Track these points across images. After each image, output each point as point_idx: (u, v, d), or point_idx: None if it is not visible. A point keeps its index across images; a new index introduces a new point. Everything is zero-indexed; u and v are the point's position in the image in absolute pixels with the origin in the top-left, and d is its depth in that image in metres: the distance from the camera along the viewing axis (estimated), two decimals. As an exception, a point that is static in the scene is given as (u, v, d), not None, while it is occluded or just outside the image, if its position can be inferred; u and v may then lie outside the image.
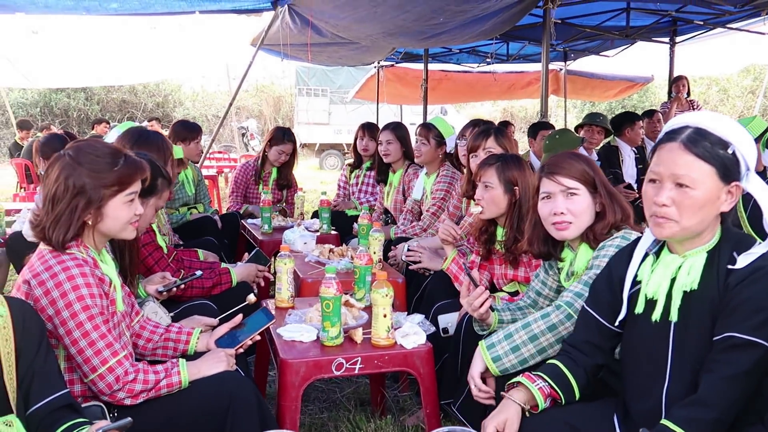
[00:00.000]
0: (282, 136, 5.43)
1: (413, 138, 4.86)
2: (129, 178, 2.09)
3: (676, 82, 8.10)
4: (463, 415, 2.59)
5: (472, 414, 2.56)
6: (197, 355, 2.33)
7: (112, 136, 3.35)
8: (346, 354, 2.40)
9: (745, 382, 1.59)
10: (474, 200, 3.17)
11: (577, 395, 1.92)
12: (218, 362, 2.19)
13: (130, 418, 1.58)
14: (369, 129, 5.49)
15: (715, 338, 1.64)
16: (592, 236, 2.26)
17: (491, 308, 2.47)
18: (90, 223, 2.05)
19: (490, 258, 3.13)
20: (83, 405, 1.96)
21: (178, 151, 4.09)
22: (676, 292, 1.73)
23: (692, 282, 1.71)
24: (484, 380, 2.20)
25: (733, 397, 1.60)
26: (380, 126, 5.41)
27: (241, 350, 2.40)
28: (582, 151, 5.60)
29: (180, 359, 2.15)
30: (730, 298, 1.63)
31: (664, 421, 1.63)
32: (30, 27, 9.38)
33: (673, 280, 1.75)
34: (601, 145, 6.24)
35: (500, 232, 3.06)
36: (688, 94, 8.12)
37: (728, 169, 1.67)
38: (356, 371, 2.41)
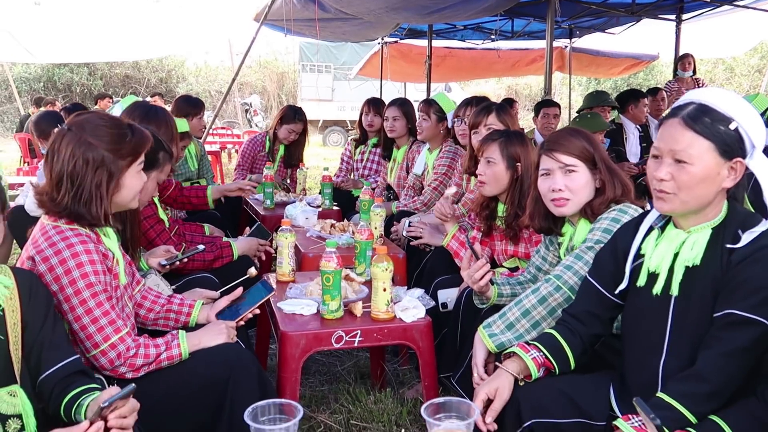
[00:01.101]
0: (293, 115, 5.45)
1: (417, 114, 4.85)
2: (140, 148, 2.12)
3: (682, 60, 8.04)
4: (462, 388, 2.61)
5: (470, 387, 2.58)
6: (198, 327, 2.35)
7: (116, 112, 3.35)
8: (345, 327, 2.43)
9: (742, 358, 1.61)
10: (476, 176, 3.18)
11: (572, 365, 1.94)
12: (218, 334, 2.21)
13: (134, 384, 1.60)
14: (375, 104, 5.46)
15: (715, 315, 1.65)
16: (590, 211, 2.27)
17: (491, 282, 2.49)
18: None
19: (490, 234, 3.14)
20: None
21: (182, 123, 4.10)
22: (678, 267, 1.75)
23: (695, 257, 1.72)
24: (486, 368, 2.22)
25: (729, 373, 1.62)
26: (386, 102, 5.39)
27: (242, 323, 2.42)
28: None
29: (180, 331, 2.16)
30: (732, 276, 1.64)
31: (659, 394, 1.66)
32: (32, -1, 9.35)
33: (676, 255, 1.76)
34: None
35: (501, 208, 3.07)
36: (694, 72, 8.06)
37: (729, 146, 1.67)
38: (356, 344, 2.44)
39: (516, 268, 3.05)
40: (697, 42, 9.58)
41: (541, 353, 1.92)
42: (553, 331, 1.97)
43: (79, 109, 5.89)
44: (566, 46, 11.44)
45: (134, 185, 2.12)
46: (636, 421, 1.64)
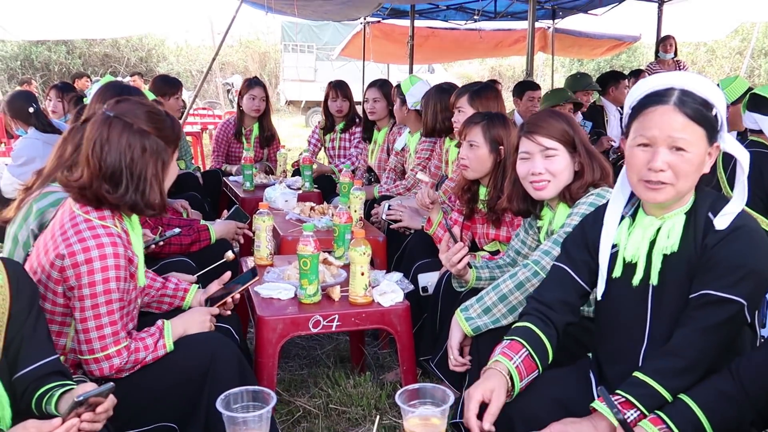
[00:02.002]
0: (249, 83, 5.36)
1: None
2: (179, 132, 2.10)
3: (663, 42, 8.03)
4: (441, 372, 2.62)
5: (449, 370, 2.58)
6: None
7: (94, 91, 3.28)
8: (323, 311, 2.41)
9: (716, 334, 1.61)
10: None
11: (551, 358, 1.89)
12: (202, 324, 2.20)
13: (112, 384, 1.57)
14: (341, 88, 5.27)
15: (691, 296, 1.65)
16: (569, 195, 2.26)
17: (469, 265, 2.48)
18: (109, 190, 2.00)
19: (472, 217, 3.12)
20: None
21: (149, 93, 4.02)
22: (656, 256, 1.72)
23: (672, 245, 1.70)
24: (462, 350, 2.22)
25: (703, 348, 1.61)
26: (358, 85, 5.32)
27: (228, 311, 2.39)
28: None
29: (165, 324, 2.11)
30: (707, 258, 1.63)
31: (635, 373, 1.66)
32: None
33: (652, 243, 1.74)
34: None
35: (483, 192, 3.05)
36: (675, 54, 8.07)
37: (714, 130, 1.66)
38: (333, 329, 2.43)
39: (497, 252, 3.05)
40: (678, 24, 9.58)
41: (525, 350, 1.82)
42: (529, 324, 1.89)
43: (68, 88, 5.78)
44: (549, 27, 11.43)
45: (174, 172, 2.10)
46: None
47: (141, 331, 2.10)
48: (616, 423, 1.55)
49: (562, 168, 2.26)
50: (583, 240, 1.92)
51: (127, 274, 1.99)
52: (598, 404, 1.65)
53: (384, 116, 4.90)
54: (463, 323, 2.17)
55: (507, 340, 1.88)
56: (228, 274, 2.48)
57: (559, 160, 2.25)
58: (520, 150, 2.32)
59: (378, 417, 1.78)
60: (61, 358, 1.98)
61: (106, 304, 1.92)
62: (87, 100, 3.29)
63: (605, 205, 1.90)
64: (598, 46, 12.39)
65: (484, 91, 3.43)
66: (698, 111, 1.63)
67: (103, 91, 3.03)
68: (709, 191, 1.75)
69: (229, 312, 2.39)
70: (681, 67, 7.94)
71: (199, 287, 2.48)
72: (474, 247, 3.14)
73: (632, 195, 1.83)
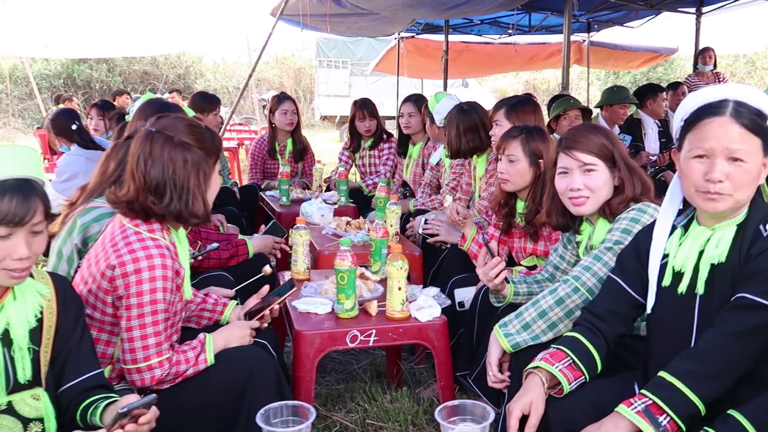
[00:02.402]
0: (278, 98, 5.42)
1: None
2: (219, 144, 2.13)
3: (702, 54, 7.92)
4: (478, 387, 2.60)
5: (487, 386, 2.56)
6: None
7: (135, 108, 3.36)
8: (360, 326, 2.41)
9: (745, 341, 1.58)
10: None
11: (599, 367, 1.89)
12: (242, 339, 2.21)
13: (155, 395, 1.59)
14: (367, 107, 5.29)
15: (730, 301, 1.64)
16: (609, 211, 2.23)
17: (506, 280, 2.46)
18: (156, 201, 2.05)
19: (509, 231, 3.10)
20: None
21: (189, 110, 4.09)
22: (703, 265, 1.72)
23: (720, 254, 1.69)
24: (501, 366, 2.20)
25: (731, 354, 1.59)
26: (392, 101, 5.34)
27: (265, 324, 2.39)
28: (602, 122, 5.57)
29: (207, 338, 2.13)
30: (750, 266, 1.63)
31: (661, 373, 1.64)
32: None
33: (701, 253, 1.73)
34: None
35: (520, 206, 3.03)
36: (715, 66, 7.94)
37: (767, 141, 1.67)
38: (370, 343, 2.42)
39: (534, 267, 3.02)
40: (717, 36, 9.44)
41: (568, 358, 1.84)
42: (576, 334, 1.91)
43: (108, 107, 5.91)
44: (584, 40, 11.35)
45: (216, 183, 2.14)
46: (639, 405, 1.61)
47: (183, 344, 2.13)
48: None
49: (601, 183, 2.23)
50: (636, 251, 1.92)
51: (174, 285, 2.02)
52: (622, 408, 1.62)
53: (419, 130, 4.92)
54: (502, 339, 2.15)
55: (552, 348, 1.89)
56: (266, 288, 2.50)
57: (598, 175, 2.23)
58: (558, 165, 2.30)
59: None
60: (109, 368, 2.02)
61: (152, 314, 1.95)
62: (129, 117, 3.36)
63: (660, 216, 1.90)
64: (635, 59, 12.25)
65: (522, 104, 3.41)
66: (754, 121, 1.64)
67: (144, 108, 3.09)
68: (764, 204, 1.74)
69: (266, 324, 2.40)
70: (721, 79, 7.81)
71: (237, 302, 2.50)
72: (511, 262, 3.12)
73: (686, 206, 1.83)
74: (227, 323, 2.41)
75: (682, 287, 1.74)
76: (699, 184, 1.68)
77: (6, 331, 1.65)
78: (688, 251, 1.75)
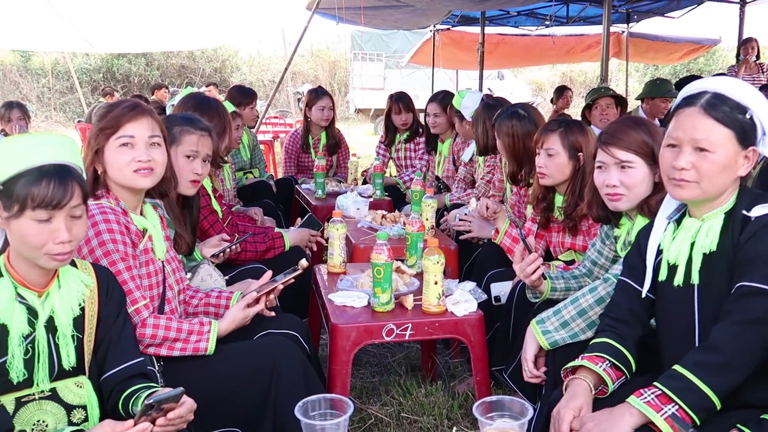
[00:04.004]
0: (316, 93, 5.41)
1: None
2: (116, 121, 2.09)
3: (745, 45, 7.72)
4: (514, 382, 2.58)
5: (523, 381, 2.54)
6: None
7: (175, 102, 3.41)
8: (396, 320, 2.41)
9: (756, 330, 1.58)
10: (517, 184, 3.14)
11: (634, 367, 1.88)
12: (243, 318, 2.24)
13: (182, 388, 1.61)
14: (403, 101, 5.28)
15: (731, 292, 1.65)
16: (647, 208, 2.19)
17: (543, 276, 2.44)
18: (99, 173, 2.10)
19: (548, 226, 3.06)
20: None
21: (229, 105, 4.13)
22: (696, 255, 1.74)
23: (711, 243, 1.72)
24: (536, 362, 2.19)
25: (744, 344, 1.58)
26: (426, 93, 5.31)
27: (273, 297, 2.36)
28: (641, 115, 5.47)
29: (213, 325, 2.15)
30: (743, 254, 1.65)
31: (675, 366, 1.63)
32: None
33: (693, 245, 1.76)
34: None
35: (559, 200, 2.99)
36: (758, 57, 7.74)
37: (746, 134, 1.69)
38: (406, 337, 2.42)
39: (572, 261, 2.98)
40: (762, 26, 9.20)
41: (608, 361, 1.83)
42: (606, 339, 1.89)
43: (143, 100, 6.01)
44: (623, 31, 11.17)
45: (115, 161, 2.10)
46: (649, 395, 1.60)
47: (186, 320, 2.16)
48: None
49: (639, 180, 2.18)
50: (638, 249, 1.95)
51: (125, 239, 2.05)
52: (633, 399, 1.61)
53: (446, 129, 4.91)
54: (539, 336, 2.13)
55: (587, 354, 1.87)
56: (268, 274, 2.47)
57: (636, 172, 2.18)
58: (597, 160, 2.27)
59: (455, 429, 1.77)
60: None
61: (110, 265, 1.98)
62: (170, 111, 3.41)
63: (655, 216, 1.93)
64: (675, 51, 12.00)
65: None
66: (727, 113, 1.68)
67: (185, 101, 3.13)
68: (751, 190, 1.78)
69: (273, 301, 2.36)
70: (764, 70, 7.62)
71: (241, 294, 2.45)
72: (548, 257, 3.09)
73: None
74: None
75: (678, 279, 1.77)
76: (668, 172, 1.75)
77: (51, 318, 1.69)
78: (680, 243, 1.79)
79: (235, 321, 2.22)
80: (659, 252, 1.86)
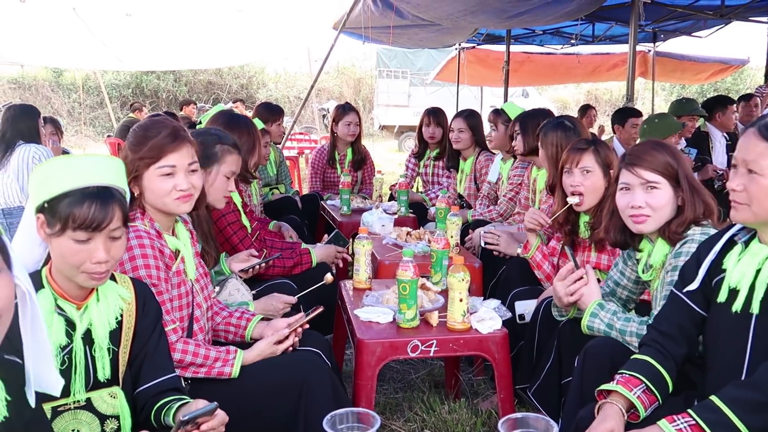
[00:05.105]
0: (343, 109, 5.46)
1: (486, 124, 4.83)
2: (158, 151, 2.12)
3: (774, 65, 7.68)
4: (538, 401, 2.58)
5: (547, 400, 2.55)
6: (253, 341, 2.37)
7: (209, 117, 3.50)
8: (421, 336, 2.43)
9: None
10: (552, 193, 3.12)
11: (671, 389, 1.87)
12: (271, 352, 2.25)
13: (216, 403, 1.64)
14: (435, 115, 5.33)
15: None
16: (668, 232, 2.17)
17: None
18: (136, 195, 2.14)
19: (574, 246, 3.05)
20: None
21: (258, 122, 4.21)
22: (759, 283, 1.69)
23: None
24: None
25: None
26: (451, 110, 5.33)
27: (297, 337, 2.35)
28: (615, 142, 5.45)
29: (238, 354, 2.17)
30: None
31: (711, 397, 1.61)
32: (124, 10, 9.77)
33: (758, 272, 1.70)
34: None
35: (583, 219, 2.99)
36: (787, 77, 7.69)
37: None
38: (431, 354, 2.44)
39: (598, 280, 2.98)
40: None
41: (643, 385, 1.81)
42: (648, 358, 1.88)
43: (171, 116, 6.13)
44: (649, 51, 11.13)
45: (156, 188, 2.14)
46: (682, 423, 1.59)
47: (214, 345, 2.20)
48: None
49: (664, 203, 2.18)
50: (697, 264, 1.89)
51: (159, 263, 2.09)
52: (664, 424, 1.61)
53: (469, 146, 4.93)
54: (584, 320, 2.25)
55: (625, 373, 1.85)
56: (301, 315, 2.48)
57: (661, 194, 2.18)
58: (621, 181, 2.25)
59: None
60: None
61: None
62: (201, 126, 3.49)
63: (725, 230, 1.88)
64: (703, 71, 11.93)
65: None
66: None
67: (215, 119, 3.21)
68: None
69: (297, 344, 2.35)
70: (793, 91, 7.54)
71: (262, 318, 2.47)
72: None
73: None
74: (251, 338, 2.40)
75: (737, 305, 1.72)
76: (730, 193, 1.73)
77: (88, 331, 1.74)
78: (745, 268, 1.73)
79: (262, 354, 2.23)
80: (722, 271, 1.81)
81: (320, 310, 2.46)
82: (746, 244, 1.79)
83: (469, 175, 4.96)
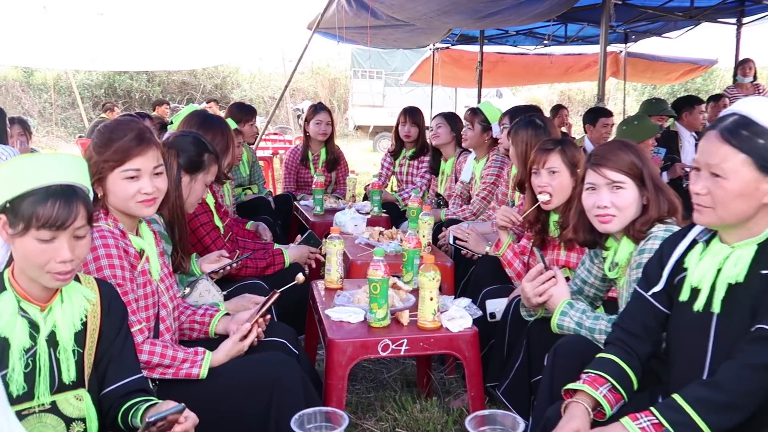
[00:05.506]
0: (315, 108, 5.49)
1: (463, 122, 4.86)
2: (123, 154, 2.09)
3: (742, 66, 7.82)
4: (508, 399, 2.60)
5: (517, 398, 2.57)
6: (217, 337, 2.38)
7: (182, 118, 3.47)
8: (392, 335, 2.44)
9: (764, 374, 1.56)
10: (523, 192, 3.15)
11: (636, 387, 1.89)
12: (237, 351, 2.25)
13: (183, 405, 1.63)
14: (411, 114, 5.38)
15: (750, 330, 1.62)
16: (633, 231, 2.20)
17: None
18: (99, 196, 2.12)
19: (544, 246, 3.08)
20: None
21: (231, 122, 4.20)
22: (720, 283, 1.70)
23: (737, 274, 1.67)
24: None
25: (750, 386, 1.57)
26: (426, 110, 5.36)
27: (260, 330, 2.36)
28: (587, 142, 5.53)
29: (207, 355, 2.16)
30: None
31: (674, 396, 1.63)
32: (96, 9, 9.68)
33: (719, 271, 1.71)
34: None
35: (553, 218, 3.02)
36: (755, 77, 7.83)
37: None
38: (402, 353, 2.45)
39: (567, 279, 3.01)
40: (758, 47, 9.31)
41: (609, 384, 1.83)
42: (613, 357, 1.89)
43: (143, 116, 6.06)
44: (621, 51, 11.26)
45: (118, 191, 2.12)
46: (644, 421, 1.61)
47: (182, 346, 2.19)
48: None
49: (630, 202, 2.20)
50: (660, 262, 1.91)
51: (123, 263, 2.07)
52: (627, 421, 1.63)
53: (448, 141, 4.95)
54: (554, 319, 2.26)
55: (591, 373, 1.87)
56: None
57: (627, 194, 2.20)
58: (587, 181, 2.27)
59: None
60: None
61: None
62: (172, 127, 3.46)
63: (687, 228, 1.90)
64: (673, 71, 12.10)
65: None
66: (745, 139, 1.61)
67: (189, 119, 3.19)
68: None
69: (262, 335, 2.36)
70: (760, 91, 7.70)
71: (226, 313, 2.48)
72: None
73: None
74: (215, 334, 2.41)
75: (698, 305, 1.73)
76: (693, 196, 1.72)
77: (53, 333, 1.72)
78: (707, 268, 1.74)
79: (230, 354, 2.23)
80: (683, 270, 1.82)
81: (276, 295, 2.47)
82: (707, 243, 1.80)
83: (450, 175, 4.98)
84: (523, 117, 3.52)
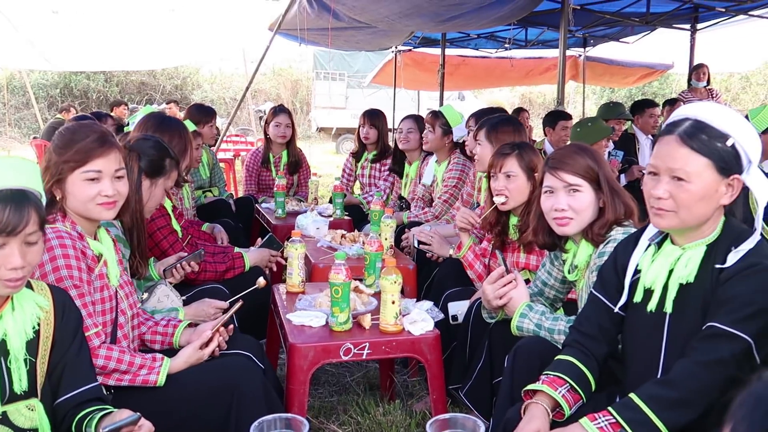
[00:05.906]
0: (274, 111, 5.47)
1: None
2: (84, 155, 2.06)
3: (696, 71, 8.01)
4: (470, 401, 2.61)
5: (479, 399, 2.58)
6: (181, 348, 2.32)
7: (138, 120, 3.40)
8: (354, 339, 2.43)
9: (717, 370, 1.59)
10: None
11: (594, 388, 1.91)
12: (197, 359, 2.21)
13: (139, 414, 1.60)
14: (370, 116, 5.38)
15: (701, 328, 1.65)
16: (591, 234, 2.24)
17: None
18: (57, 198, 2.07)
19: (504, 247, 3.11)
20: None
21: (190, 124, 4.14)
22: (672, 284, 1.74)
23: (688, 275, 1.71)
24: None
25: (702, 383, 1.60)
26: (389, 113, 5.35)
27: (223, 338, 2.32)
28: (546, 144, 5.63)
29: (165, 362, 2.12)
30: (719, 293, 1.65)
31: (631, 395, 1.66)
32: (50, 7, 9.45)
33: (671, 272, 1.76)
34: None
35: (513, 220, 3.05)
36: (708, 82, 8.02)
37: (726, 163, 1.66)
38: (364, 356, 2.44)
39: (527, 281, 3.04)
40: (712, 52, 9.55)
41: (567, 384, 1.85)
42: (571, 358, 1.91)
43: (100, 117, 5.94)
44: (580, 55, 11.45)
45: (78, 193, 2.07)
46: (602, 421, 1.64)
47: (139, 353, 2.14)
48: None
49: (586, 205, 2.23)
50: (614, 265, 1.94)
51: (80, 264, 2.03)
52: (585, 422, 1.65)
53: (415, 148, 4.95)
54: (513, 322, 2.28)
55: (550, 374, 1.89)
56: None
57: (583, 197, 2.23)
58: (544, 184, 2.30)
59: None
60: None
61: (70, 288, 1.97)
62: (129, 128, 3.40)
63: (640, 230, 1.93)
64: (630, 75, 12.35)
65: (503, 125, 3.41)
66: (705, 142, 1.65)
67: (145, 121, 3.13)
68: (738, 225, 1.75)
69: (224, 344, 2.32)
70: (714, 96, 7.90)
71: (188, 324, 2.43)
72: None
73: None
74: (179, 345, 2.35)
75: (651, 305, 1.77)
76: (649, 200, 1.74)
77: (3, 342, 1.67)
78: (659, 269, 1.78)
79: (189, 361, 2.18)
80: (637, 271, 1.85)
81: (239, 304, 2.45)
82: (659, 245, 1.84)
83: (414, 179, 4.98)
84: (492, 117, 3.57)
